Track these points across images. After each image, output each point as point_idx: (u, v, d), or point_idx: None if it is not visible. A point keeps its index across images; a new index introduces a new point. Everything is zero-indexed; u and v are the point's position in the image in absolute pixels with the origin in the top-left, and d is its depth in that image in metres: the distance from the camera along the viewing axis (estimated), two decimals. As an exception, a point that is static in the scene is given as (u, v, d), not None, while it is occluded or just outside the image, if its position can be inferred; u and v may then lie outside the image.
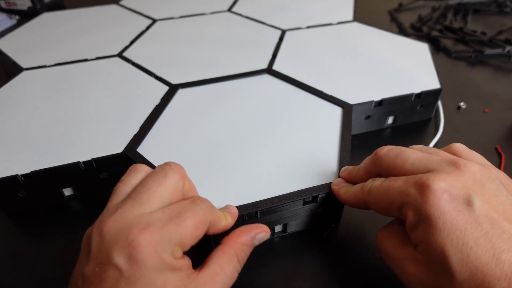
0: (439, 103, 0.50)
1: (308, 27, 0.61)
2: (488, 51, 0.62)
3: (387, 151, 0.28)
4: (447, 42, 0.67)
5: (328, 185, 0.32)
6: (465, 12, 0.78)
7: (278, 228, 0.34)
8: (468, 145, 0.28)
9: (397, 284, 0.31)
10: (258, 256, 0.33)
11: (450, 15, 0.76)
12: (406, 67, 0.49)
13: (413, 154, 0.27)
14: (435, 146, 0.43)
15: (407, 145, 0.29)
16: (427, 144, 0.44)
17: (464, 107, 0.51)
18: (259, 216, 0.31)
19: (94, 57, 0.54)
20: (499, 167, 0.41)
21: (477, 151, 0.28)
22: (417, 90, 0.44)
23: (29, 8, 0.80)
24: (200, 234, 0.24)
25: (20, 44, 0.58)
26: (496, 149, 0.43)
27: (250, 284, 0.31)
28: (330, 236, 0.35)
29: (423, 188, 0.23)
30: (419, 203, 0.23)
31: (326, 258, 0.33)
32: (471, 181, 0.24)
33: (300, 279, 0.31)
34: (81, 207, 0.38)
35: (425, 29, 0.72)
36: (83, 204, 0.38)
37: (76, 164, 0.35)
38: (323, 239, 0.34)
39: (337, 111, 0.41)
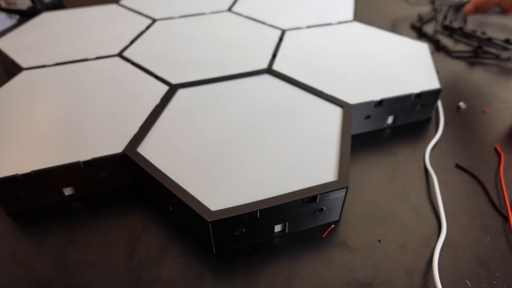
0: (439, 103, 0.50)
1: (308, 27, 0.61)
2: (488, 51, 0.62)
3: None
4: (447, 42, 0.67)
5: (328, 185, 0.32)
6: (465, 12, 0.78)
7: (278, 228, 0.34)
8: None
9: (396, 284, 0.31)
10: (258, 256, 0.33)
11: (450, 15, 0.76)
12: (406, 66, 0.49)
13: None
14: (434, 146, 0.43)
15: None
16: (426, 144, 0.44)
17: (464, 107, 0.51)
18: (259, 216, 0.31)
19: (94, 57, 0.54)
20: (498, 167, 0.41)
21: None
22: (417, 90, 0.44)
23: (29, 7, 0.80)
24: None
25: (20, 44, 0.58)
26: (496, 149, 0.43)
27: (250, 284, 0.31)
28: (330, 236, 0.35)
29: None
30: None
31: (326, 258, 0.33)
32: None
33: (300, 279, 0.31)
34: (81, 207, 0.38)
35: (425, 29, 0.72)
36: (83, 204, 0.38)
37: (76, 164, 0.35)
38: (323, 239, 0.34)
39: (337, 111, 0.42)
